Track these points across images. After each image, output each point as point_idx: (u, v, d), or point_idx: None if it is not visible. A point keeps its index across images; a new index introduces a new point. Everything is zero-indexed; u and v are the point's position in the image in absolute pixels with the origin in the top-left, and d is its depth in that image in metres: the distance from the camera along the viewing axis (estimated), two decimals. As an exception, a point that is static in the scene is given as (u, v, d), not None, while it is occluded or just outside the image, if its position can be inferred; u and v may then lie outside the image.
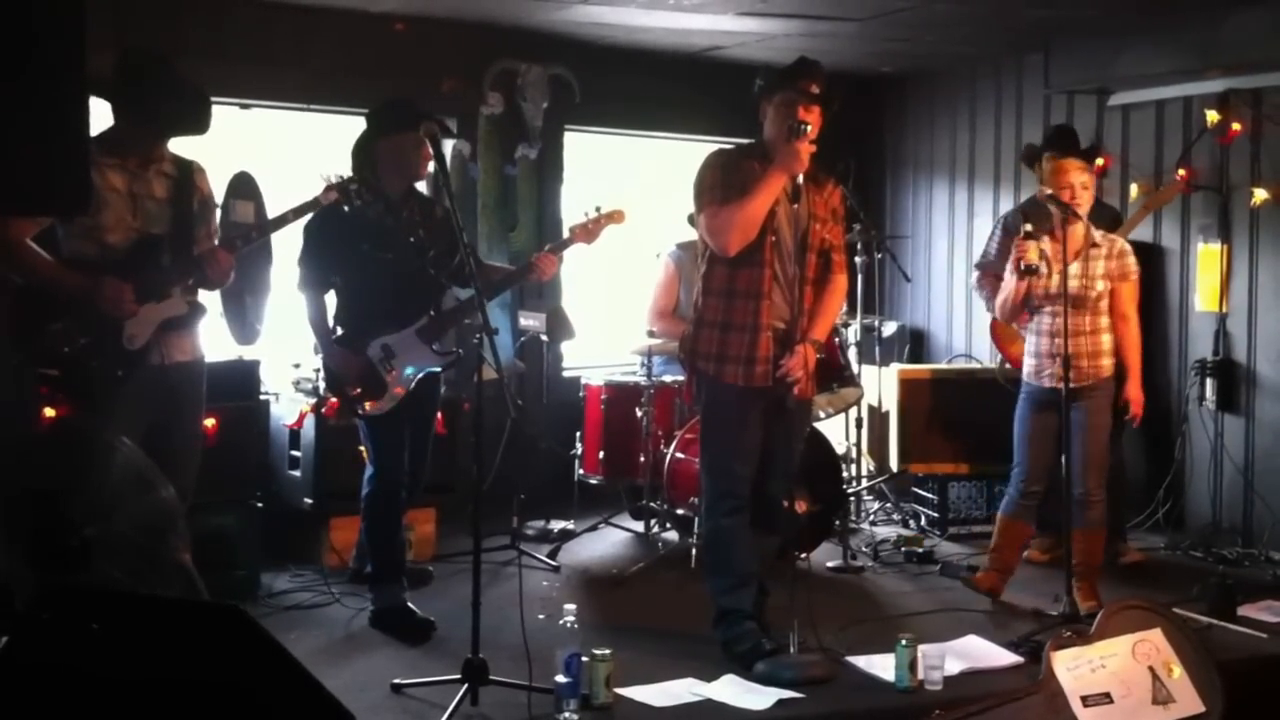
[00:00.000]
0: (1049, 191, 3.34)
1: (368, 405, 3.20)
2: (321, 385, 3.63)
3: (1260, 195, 4.28)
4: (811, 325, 2.98)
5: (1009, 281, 3.39)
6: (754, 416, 2.95)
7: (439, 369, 3.29)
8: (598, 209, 3.37)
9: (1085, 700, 2.65)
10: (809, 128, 2.86)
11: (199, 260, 2.89)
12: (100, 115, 2.65)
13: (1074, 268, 3.33)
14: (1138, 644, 2.75)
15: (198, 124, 2.91)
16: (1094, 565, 3.42)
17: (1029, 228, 3.33)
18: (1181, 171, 4.34)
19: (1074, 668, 2.69)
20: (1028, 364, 3.47)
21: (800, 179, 2.91)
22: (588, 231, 3.36)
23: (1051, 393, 3.35)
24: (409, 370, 3.21)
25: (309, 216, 3.11)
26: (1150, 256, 4.60)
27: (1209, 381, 4.44)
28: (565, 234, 3.50)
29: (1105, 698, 2.67)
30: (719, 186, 2.91)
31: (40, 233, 2.79)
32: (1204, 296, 4.51)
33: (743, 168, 2.92)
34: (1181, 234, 4.61)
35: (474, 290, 2.85)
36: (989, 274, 4.08)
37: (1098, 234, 3.38)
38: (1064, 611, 3.25)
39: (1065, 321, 3.27)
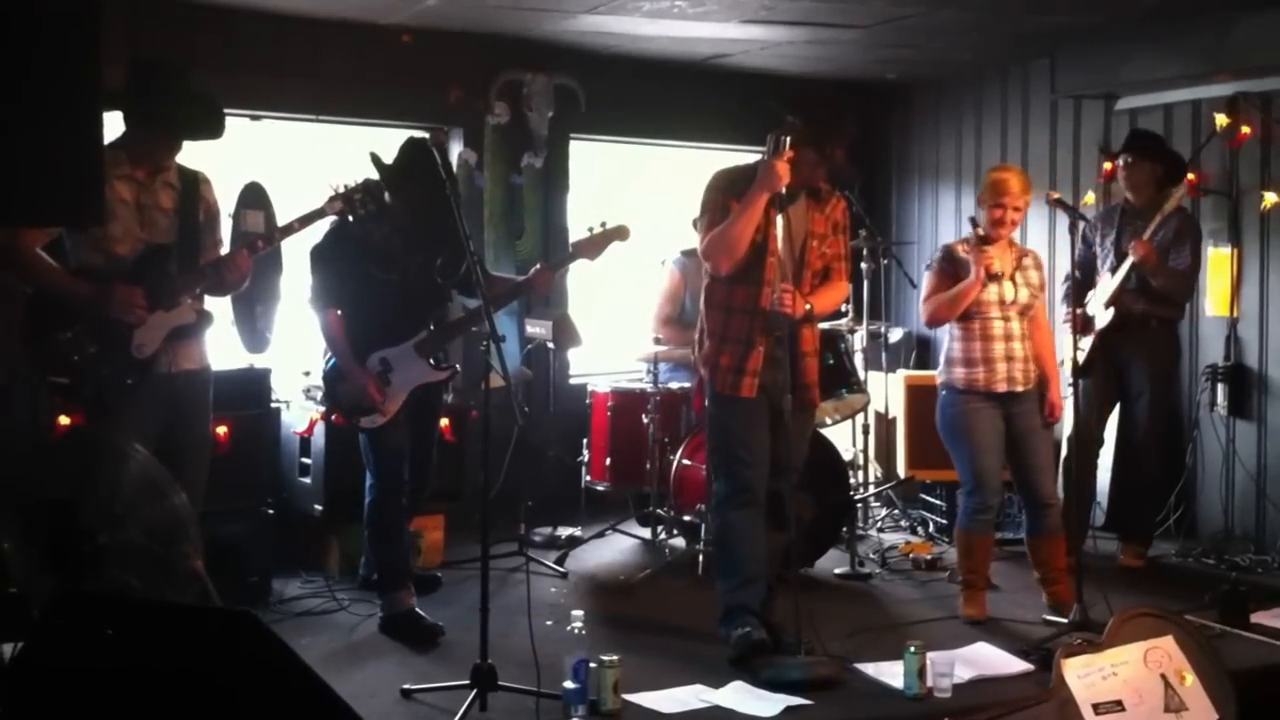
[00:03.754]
0: (1056, 196, 3.45)
1: (364, 419, 3.21)
2: (324, 396, 3.65)
3: (1270, 199, 4.26)
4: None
5: (964, 286, 3.37)
6: (756, 419, 3.02)
7: (436, 383, 3.30)
8: (603, 224, 3.33)
9: (1097, 708, 2.63)
10: (787, 141, 2.90)
11: (218, 264, 2.92)
12: (109, 126, 2.68)
13: (1019, 278, 3.43)
14: (1149, 651, 2.73)
15: (212, 128, 2.94)
16: (1060, 568, 3.43)
17: (981, 233, 3.39)
18: (1191, 175, 4.33)
19: (1085, 675, 2.67)
20: (967, 371, 3.42)
21: (785, 191, 2.93)
22: (592, 246, 3.34)
23: (998, 397, 3.40)
24: (405, 384, 3.23)
25: (318, 239, 3.14)
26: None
27: (1220, 387, 4.42)
28: (569, 248, 3.50)
29: (1117, 706, 2.65)
30: (716, 210, 3.01)
31: (48, 244, 2.81)
32: (1215, 301, 4.49)
33: (738, 188, 3.00)
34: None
35: (480, 300, 2.87)
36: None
37: (1022, 247, 3.52)
38: (1074, 619, 3.24)
39: (1075, 328, 3.33)
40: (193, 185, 2.97)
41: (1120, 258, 3.97)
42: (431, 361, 3.27)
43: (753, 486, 3.01)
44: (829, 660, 2.92)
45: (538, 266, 3.43)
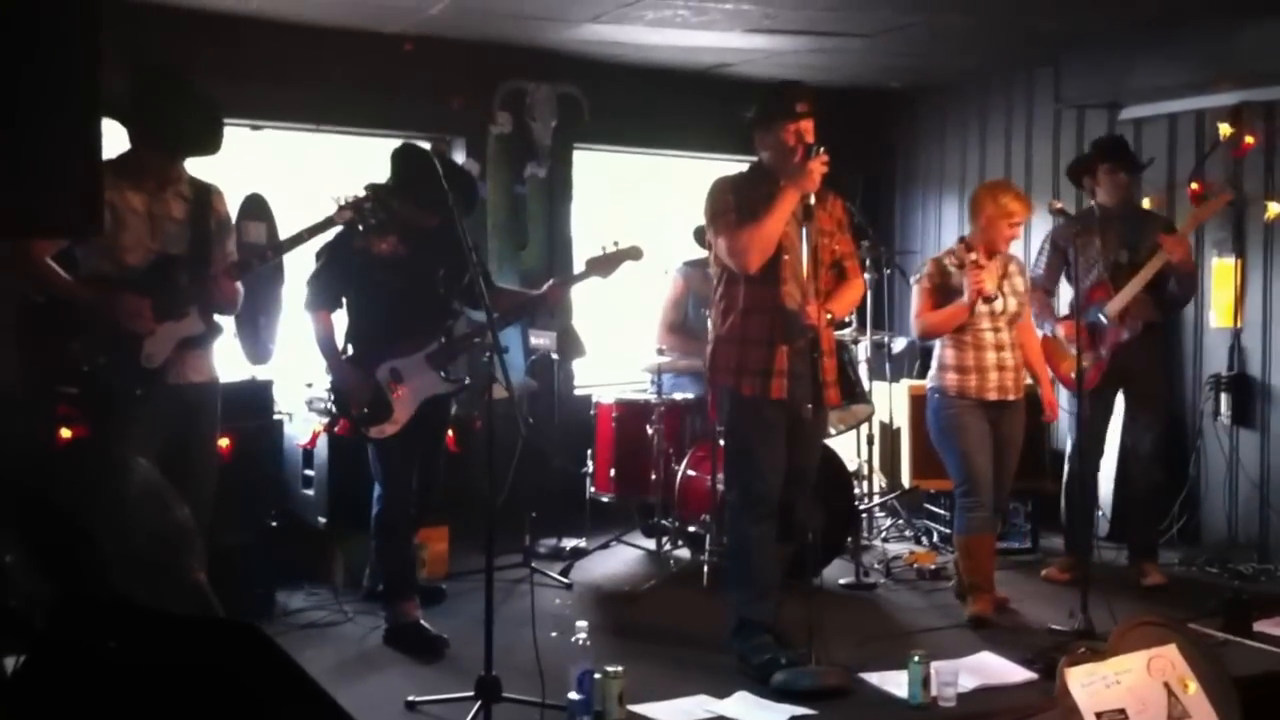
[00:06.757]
0: (1059, 205, 3.59)
1: (373, 428, 3.22)
2: (333, 406, 3.66)
3: (1274, 209, 4.26)
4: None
5: (957, 307, 3.43)
6: (776, 428, 3.01)
7: (445, 394, 3.30)
8: (616, 244, 3.34)
9: (1100, 717, 2.62)
10: (822, 148, 2.95)
11: (208, 283, 2.92)
12: (113, 135, 2.69)
13: (1006, 287, 3.51)
14: (1153, 660, 2.72)
15: (209, 144, 2.94)
16: (989, 570, 3.53)
17: (974, 256, 3.43)
18: (1194, 185, 4.33)
19: (1088, 684, 2.66)
20: (960, 378, 3.49)
21: (811, 198, 2.99)
22: (604, 265, 3.33)
23: (987, 405, 3.48)
24: (415, 395, 3.23)
25: (325, 240, 3.14)
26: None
27: (1224, 396, 4.41)
28: (581, 266, 3.48)
29: (1120, 714, 2.64)
30: (734, 210, 3.02)
31: (60, 253, 2.82)
32: (1218, 311, 4.49)
33: (750, 191, 3.03)
34: (1196, 248, 4.58)
35: (485, 312, 2.87)
36: (1038, 291, 3.99)
37: (1006, 254, 3.58)
38: (1078, 628, 3.24)
39: (1080, 342, 3.35)
40: (204, 196, 2.98)
41: (1111, 266, 3.88)
42: (442, 374, 3.27)
43: (770, 498, 3.01)
44: (836, 669, 2.92)
45: (551, 282, 3.44)
